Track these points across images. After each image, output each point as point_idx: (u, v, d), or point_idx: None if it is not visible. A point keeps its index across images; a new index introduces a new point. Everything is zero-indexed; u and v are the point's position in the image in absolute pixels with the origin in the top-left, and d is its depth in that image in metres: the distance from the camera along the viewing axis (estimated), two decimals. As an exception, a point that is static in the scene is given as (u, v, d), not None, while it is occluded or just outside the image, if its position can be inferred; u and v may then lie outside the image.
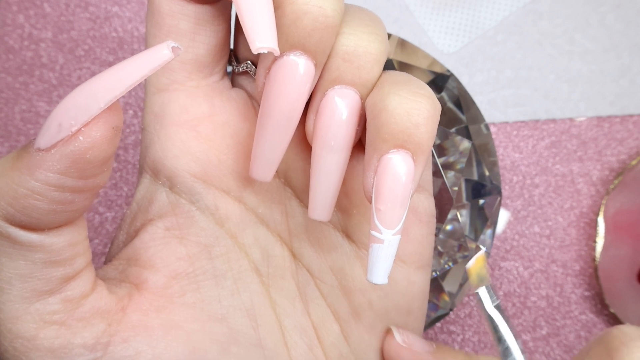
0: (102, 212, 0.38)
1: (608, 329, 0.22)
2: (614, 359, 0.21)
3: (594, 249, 0.37)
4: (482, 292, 0.21)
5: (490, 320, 0.21)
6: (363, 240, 0.25)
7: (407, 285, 0.25)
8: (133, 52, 0.39)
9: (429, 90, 0.21)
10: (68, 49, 0.39)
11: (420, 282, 0.25)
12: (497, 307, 0.21)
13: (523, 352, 0.21)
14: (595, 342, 0.22)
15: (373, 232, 0.21)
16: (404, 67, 0.34)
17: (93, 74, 0.39)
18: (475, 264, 0.21)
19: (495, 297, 0.21)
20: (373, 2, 0.39)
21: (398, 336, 0.24)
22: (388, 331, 0.25)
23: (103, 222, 0.38)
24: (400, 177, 0.20)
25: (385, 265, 0.21)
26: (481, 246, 0.33)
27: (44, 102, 0.38)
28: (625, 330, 0.21)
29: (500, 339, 0.21)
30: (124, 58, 0.39)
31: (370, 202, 0.21)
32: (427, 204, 0.25)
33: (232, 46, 0.24)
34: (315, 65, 0.21)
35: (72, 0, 0.39)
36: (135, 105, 0.39)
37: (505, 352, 0.21)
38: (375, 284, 0.21)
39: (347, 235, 0.25)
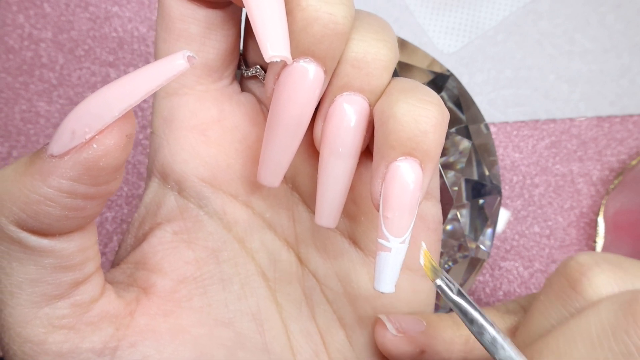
0: (102, 212, 0.38)
1: (564, 261, 0.23)
2: (576, 290, 0.22)
3: (594, 249, 0.37)
4: (441, 282, 0.21)
5: (456, 305, 0.21)
6: (370, 247, 0.24)
7: (412, 293, 0.25)
8: (133, 52, 0.39)
9: (437, 98, 0.21)
10: (68, 49, 0.39)
11: (426, 290, 0.25)
12: (459, 292, 0.21)
13: (492, 325, 0.21)
14: (555, 275, 0.23)
15: (380, 240, 0.21)
16: (404, 67, 0.34)
17: (93, 74, 0.39)
18: (425, 259, 0.21)
19: (453, 283, 0.21)
20: (373, 2, 0.39)
21: (391, 326, 0.24)
22: (377, 321, 0.24)
23: (103, 222, 0.38)
24: (408, 185, 0.20)
25: (392, 274, 0.21)
26: (482, 247, 0.33)
27: (44, 102, 0.38)
28: (581, 260, 0.22)
29: (471, 321, 0.21)
30: (124, 58, 0.39)
31: (378, 210, 0.21)
32: (435, 212, 0.25)
33: (241, 50, 0.24)
34: (325, 72, 0.21)
35: (72, 0, 0.39)
36: (135, 105, 0.38)
37: (480, 331, 0.21)
38: (382, 293, 0.21)
39: (354, 242, 0.25)
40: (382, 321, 0.24)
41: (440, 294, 0.21)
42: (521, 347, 0.22)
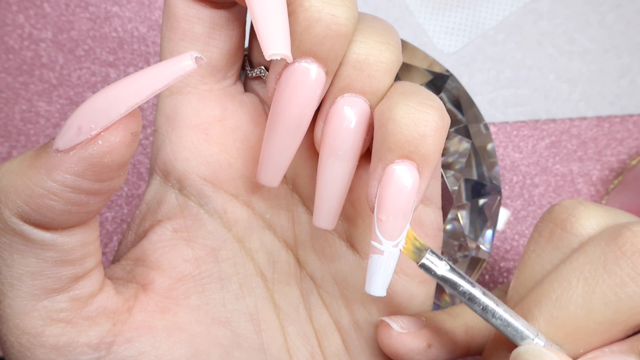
0: (102, 212, 0.38)
1: (548, 209, 0.23)
2: (565, 229, 0.22)
3: (594, 248, 0.37)
4: (427, 261, 0.21)
5: (446, 281, 0.21)
6: (367, 251, 0.24)
7: (408, 299, 0.25)
8: (133, 52, 0.39)
9: (438, 102, 0.21)
10: (68, 49, 0.39)
11: (422, 297, 0.25)
12: (450, 268, 0.21)
13: (485, 293, 0.21)
14: (541, 223, 0.23)
15: (373, 243, 0.21)
16: (403, 67, 0.34)
17: (93, 74, 0.39)
18: (407, 241, 0.21)
19: (440, 257, 0.21)
20: (373, 2, 0.39)
21: (396, 325, 0.24)
22: (380, 324, 0.24)
23: (103, 222, 0.38)
24: (404, 188, 0.20)
25: (383, 277, 0.21)
26: (482, 247, 0.33)
27: (44, 102, 0.38)
28: (565, 203, 0.23)
29: (462, 293, 0.21)
30: (124, 58, 0.39)
31: (373, 212, 0.21)
32: (434, 218, 0.24)
33: (246, 51, 0.24)
34: (326, 73, 0.21)
35: (72, 0, 0.39)
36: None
37: (470, 301, 0.21)
38: (373, 296, 0.21)
39: (352, 245, 0.24)
40: (385, 322, 0.24)
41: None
42: (516, 301, 0.23)
